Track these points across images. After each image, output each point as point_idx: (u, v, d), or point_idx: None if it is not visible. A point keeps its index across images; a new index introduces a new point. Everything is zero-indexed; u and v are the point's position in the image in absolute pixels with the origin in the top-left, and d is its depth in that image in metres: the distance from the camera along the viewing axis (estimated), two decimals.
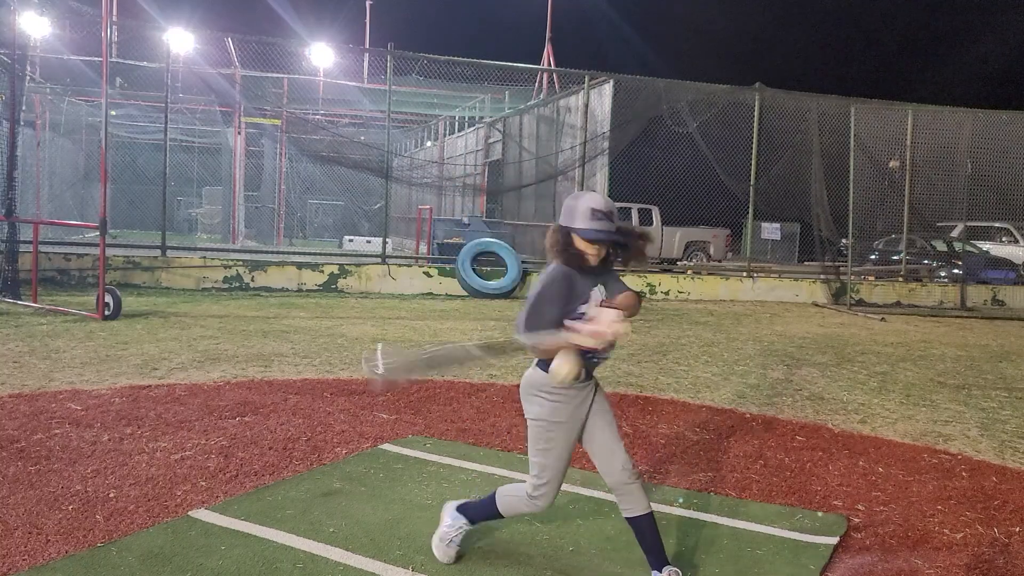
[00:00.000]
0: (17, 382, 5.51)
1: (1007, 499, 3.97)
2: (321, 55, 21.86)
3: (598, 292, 2.76)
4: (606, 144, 14.45)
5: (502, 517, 2.98)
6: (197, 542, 3.05)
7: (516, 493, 2.92)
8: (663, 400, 5.85)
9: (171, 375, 5.95)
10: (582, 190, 14.51)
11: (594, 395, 2.83)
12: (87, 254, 11.56)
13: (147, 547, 2.99)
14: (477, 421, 5.03)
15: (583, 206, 2.68)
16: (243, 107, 19.62)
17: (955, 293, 14.78)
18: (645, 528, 2.81)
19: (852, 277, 14.36)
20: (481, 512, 3.00)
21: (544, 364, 2.73)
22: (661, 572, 2.80)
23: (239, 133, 20.33)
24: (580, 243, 2.69)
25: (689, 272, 15.34)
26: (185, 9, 35.11)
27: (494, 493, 2.97)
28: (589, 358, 2.72)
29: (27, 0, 10.76)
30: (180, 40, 15.82)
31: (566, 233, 2.70)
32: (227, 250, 15.47)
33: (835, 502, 3.83)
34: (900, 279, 15.52)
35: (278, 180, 22.23)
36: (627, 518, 2.83)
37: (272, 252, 14.62)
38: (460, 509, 3.01)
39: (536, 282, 2.76)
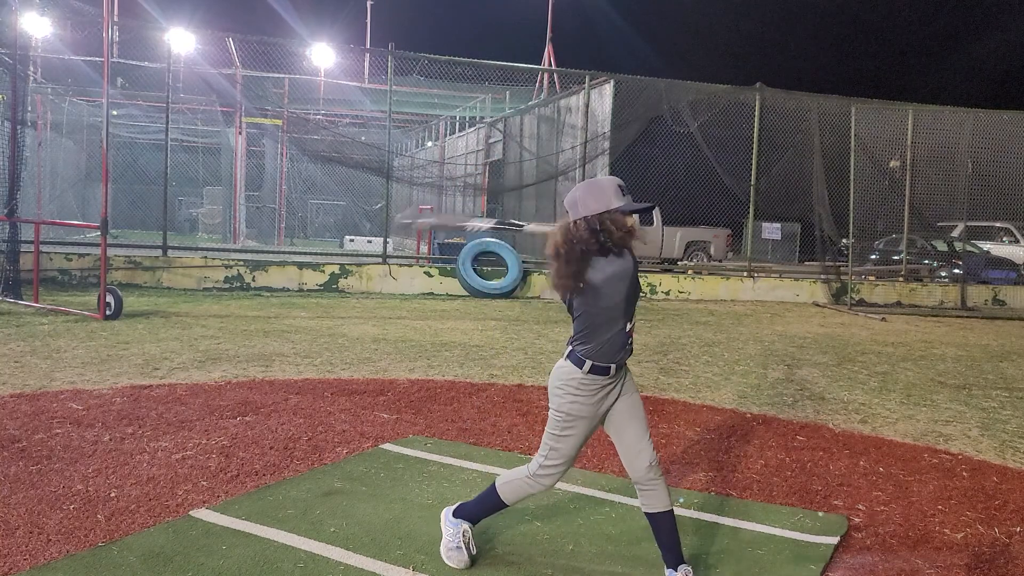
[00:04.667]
0: (18, 382, 5.52)
1: (1008, 499, 3.97)
2: (322, 55, 21.85)
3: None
4: (607, 144, 14.44)
5: (506, 506, 2.97)
6: (198, 542, 3.06)
7: (516, 477, 2.92)
8: (663, 400, 5.86)
9: (172, 375, 5.96)
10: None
11: (622, 388, 2.84)
12: (88, 254, 11.57)
13: (148, 547, 3.00)
14: (478, 421, 5.03)
15: (608, 185, 2.71)
16: (244, 107, 19.61)
17: (956, 293, 14.78)
18: (664, 525, 2.82)
19: (853, 277, 14.36)
20: (481, 509, 3.00)
21: (574, 356, 2.75)
22: (676, 571, 2.80)
23: (240, 133, 20.33)
24: (627, 220, 2.71)
25: (690, 272, 15.34)
26: (186, 9, 35.11)
27: (492, 487, 2.97)
28: (626, 348, 2.77)
29: (29, 0, 10.77)
30: (181, 40, 15.84)
31: (604, 218, 2.67)
32: (228, 250, 15.47)
33: (836, 502, 3.83)
34: (901, 279, 15.51)
35: (279, 180, 22.23)
36: (647, 514, 2.84)
37: (273, 252, 14.63)
38: (456, 514, 3.00)
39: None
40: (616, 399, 2.82)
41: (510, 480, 2.94)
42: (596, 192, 2.71)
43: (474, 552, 2.98)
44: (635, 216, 2.74)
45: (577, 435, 2.80)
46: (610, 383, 2.78)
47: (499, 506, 2.97)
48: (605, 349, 2.72)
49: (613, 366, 2.75)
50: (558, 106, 17.10)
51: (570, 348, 2.78)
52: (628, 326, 2.74)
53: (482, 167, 21.76)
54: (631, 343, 2.77)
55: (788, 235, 23.21)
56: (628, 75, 14.71)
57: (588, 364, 2.72)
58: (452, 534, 2.96)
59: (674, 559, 2.82)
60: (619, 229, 2.69)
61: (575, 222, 2.70)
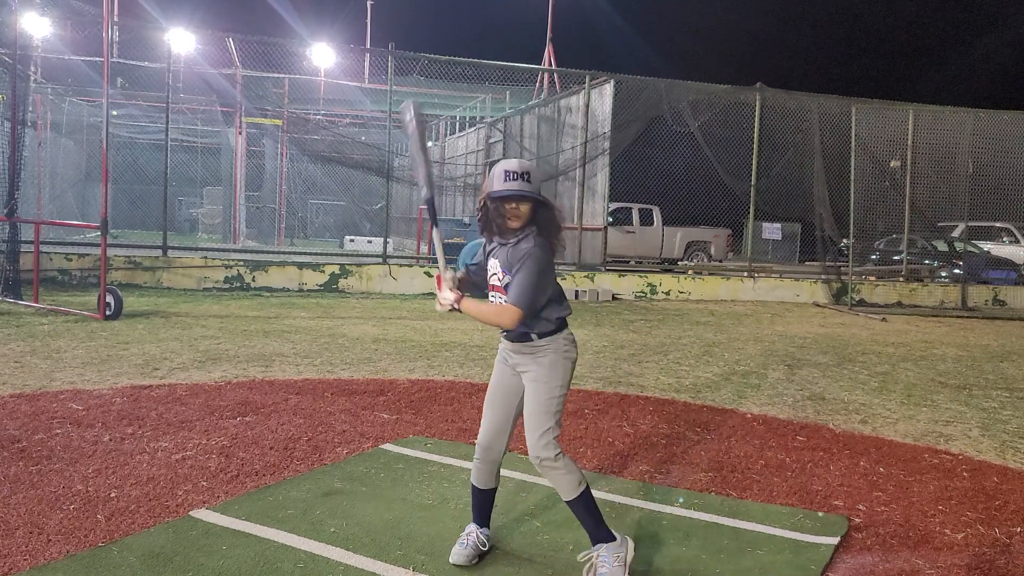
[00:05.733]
0: (18, 382, 5.52)
1: (1008, 499, 3.97)
2: (322, 55, 21.86)
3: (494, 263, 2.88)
4: (607, 144, 14.44)
5: (591, 495, 2.91)
6: (198, 542, 3.06)
7: (558, 476, 2.87)
8: (664, 400, 5.85)
9: (172, 375, 5.95)
10: (585, 190, 14.52)
11: (525, 370, 2.92)
12: (88, 254, 11.57)
13: (148, 547, 3.00)
14: (478, 421, 5.00)
15: (497, 170, 2.80)
16: (244, 107, 19.62)
17: (956, 293, 14.78)
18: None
19: (853, 277, 14.36)
20: (596, 519, 2.89)
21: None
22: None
23: (240, 133, 20.33)
24: (498, 207, 2.80)
25: (690, 272, 15.34)
26: (186, 9, 35.11)
27: (570, 503, 2.90)
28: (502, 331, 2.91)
29: (28, 0, 10.76)
30: (181, 40, 15.85)
31: (488, 199, 2.82)
32: (228, 250, 15.48)
33: (836, 502, 3.83)
34: (901, 279, 15.51)
35: (279, 180, 22.23)
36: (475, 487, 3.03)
37: (273, 252, 14.63)
38: (597, 540, 2.88)
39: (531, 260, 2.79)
40: (520, 376, 2.94)
41: (561, 484, 2.86)
42: (492, 173, 2.83)
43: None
44: (516, 204, 2.78)
45: (490, 387, 3.03)
46: (512, 352, 2.94)
47: (594, 505, 2.89)
48: None
49: (503, 338, 2.95)
50: (558, 106, 17.10)
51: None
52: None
53: (482, 167, 21.76)
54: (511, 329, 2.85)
55: (788, 235, 23.21)
56: (628, 75, 14.71)
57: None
58: (614, 556, 2.83)
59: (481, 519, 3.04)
60: (496, 215, 2.82)
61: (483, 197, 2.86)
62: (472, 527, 3.05)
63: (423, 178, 2.94)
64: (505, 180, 2.76)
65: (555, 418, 2.85)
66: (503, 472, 3.14)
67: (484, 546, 3.03)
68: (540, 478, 3.85)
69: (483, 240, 2.99)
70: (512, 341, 2.92)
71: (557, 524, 3.39)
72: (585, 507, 2.86)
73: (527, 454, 2.89)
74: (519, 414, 2.98)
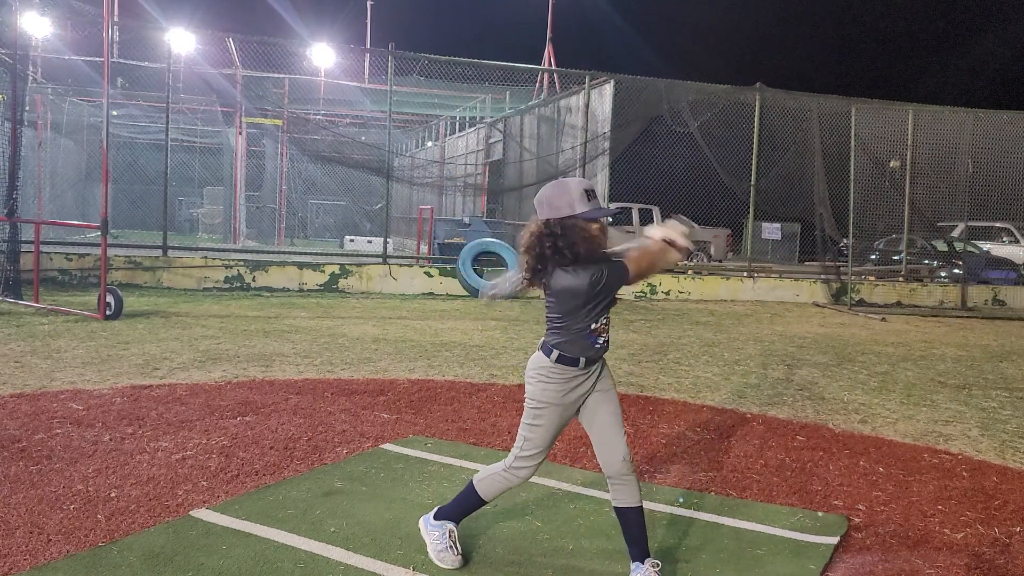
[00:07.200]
0: (19, 382, 5.52)
1: (1008, 499, 3.97)
2: (322, 55, 21.86)
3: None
4: (607, 144, 14.44)
5: (485, 502, 2.99)
6: (198, 542, 3.06)
7: (492, 472, 2.95)
8: (664, 400, 5.86)
9: (172, 375, 5.96)
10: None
11: (597, 381, 2.85)
12: (88, 254, 11.57)
13: (148, 547, 3.00)
14: (478, 421, 5.03)
15: (575, 190, 2.70)
16: (244, 107, 19.62)
17: (956, 293, 14.78)
18: (633, 520, 2.85)
19: (853, 277, 14.36)
20: (460, 508, 3.01)
21: (545, 346, 2.80)
22: (643, 564, 2.82)
23: (240, 133, 20.33)
24: (591, 227, 2.70)
25: (690, 272, 15.34)
26: (186, 9, 35.12)
27: (470, 484, 2.99)
28: (595, 347, 2.77)
29: (28, 0, 10.77)
30: (181, 40, 15.84)
31: (569, 224, 2.67)
32: (228, 250, 15.48)
33: (835, 502, 3.83)
34: (901, 279, 15.51)
35: (279, 180, 22.23)
36: (616, 508, 2.87)
37: (273, 252, 14.63)
38: (437, 516, 3.02)
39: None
40: (589, 392, 2.84)
41: (486, 476, 2.96)
42: (561, 193, 2.71)
43: (465, 552, 3.00)
44: (602, 221, 2.74)
45: (548, 425, 2.83)
46: (580, 375, 2.80)
47: (479, 503, 2.99)
48: (571, 343, 2.76)
49: (582, 359, 2.77)
50: (558, 106, 17.11)
51: (544, 338, 2.84)
52: (593, 326, 2.76)
53: (482, 167, 21.76)
54: (603, 341, 2.79)
55: (788, 235, 23.21)
56: (628, 75, 14.71)
57: (555, 354, 2.77)
58: (438, 536, 2.97)
59: (640, 553, 2.84)
60: (582, 235, 2.68)
61: (545, 221, 2.72)
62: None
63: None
64: (590, 199, 2.68)
65: (524, 433, 2.89)
66: None
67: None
68: (542, 479, 3.86)
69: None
70: (603, 354, 2.84)
71: (557, 524, 3.39)
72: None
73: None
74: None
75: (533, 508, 3.55)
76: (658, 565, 2.83)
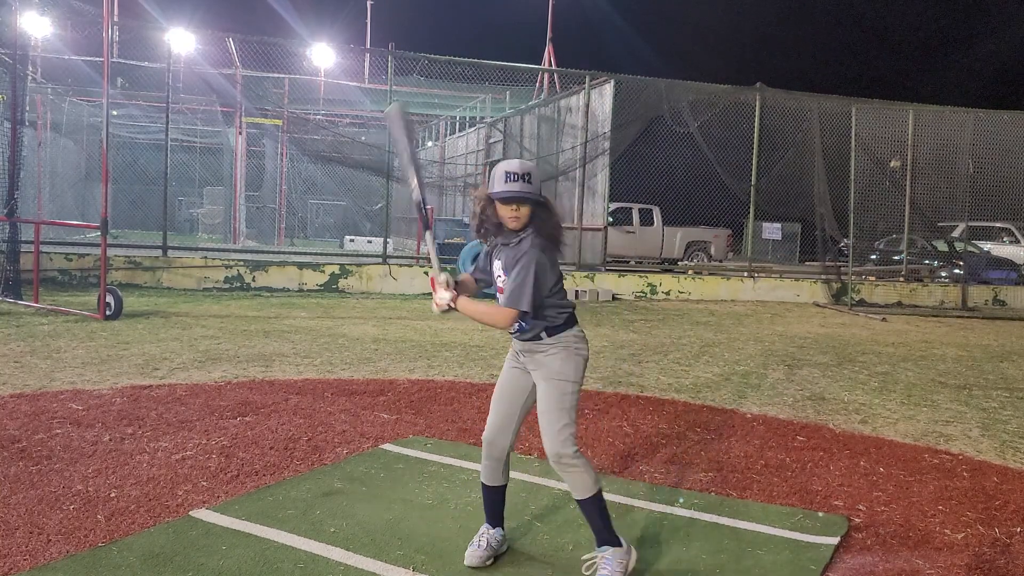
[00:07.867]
0: (19, 382, 5.52)
1: (1008, 499, 3.97)
2: (322, 55, 21.87)
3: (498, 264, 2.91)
4: (607, 144, 14.44)
5: (598, 489, 2.88)
6: (198, 542, 3.06)
7: (575, 474, 2.86)
8: (664, 400, 5.85)
9: (172, 375, 5.95)
10: (585, 190, 14.52)
11: (533, 370, 2.94)
12: (88, 254, 11.57)
13: (148, 547, 3.00)
14: (478, 421, 5.03)
15: (498, 171, 2.80)
16: (244, 107, 19.63)
17: (956, 293, 14.78)
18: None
19: (853, 277, 14.36)
20: (601, 523, 2.88)
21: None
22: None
23: (240, 133, 20.33)
24: (498, 208, 2.82)
25: (690, 272, 15.34)
26: (186, 9, 35.03)
27: (581, 504, 2.90)
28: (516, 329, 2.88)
29: (28, 0, 10.77)
30: (181, 40, 15.85)
31: (488, 200, 2.84)
32: (228, 250, 15.48)
33: (836, 502, 3.83)
34: (901, 279, 15.52)
35: (279, 180, 22.23)
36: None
37: (273, 252, 14.64)
38: (602, 543, 2.87)
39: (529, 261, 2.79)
40: (530, 374, 2.95)
41: (577, 483, 2.85)
42: (493, 174, 2.84)
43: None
44: (517, 206, 2.79)
45: (498, 384, 3.04)
46: (520, 351, 2.94)
47: (599, 499, 2.87)
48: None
49: (513, 338, 2.93)
50: (558, 106, 17.10)
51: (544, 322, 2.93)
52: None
53: (482, 167, 21.76)
54: (521, 325, 2.85)
55: (788, 235, 23.19)
56: (628, 75, 14.72)
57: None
58: (618, 561, 2.84)
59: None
60: (496, 216, 2.84)
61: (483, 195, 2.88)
62: (484, 528, 3.03)
63: (413, 182, 2.93)
64: (506, 181, 2.76)
65: (570, 415, 2.85)
66: None
67: (500, 547, 3.01)
68: (541, 478, 3.86)
69: (483, 243, 2.99)
70: (523, 340, 2.91)
71: (558, 524, 3.39)
72: (598, 508, 2.86)
73: (528, 455, 2.89)
74: (526, 413, 2.98)
75: (533, 508, 3.55)
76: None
